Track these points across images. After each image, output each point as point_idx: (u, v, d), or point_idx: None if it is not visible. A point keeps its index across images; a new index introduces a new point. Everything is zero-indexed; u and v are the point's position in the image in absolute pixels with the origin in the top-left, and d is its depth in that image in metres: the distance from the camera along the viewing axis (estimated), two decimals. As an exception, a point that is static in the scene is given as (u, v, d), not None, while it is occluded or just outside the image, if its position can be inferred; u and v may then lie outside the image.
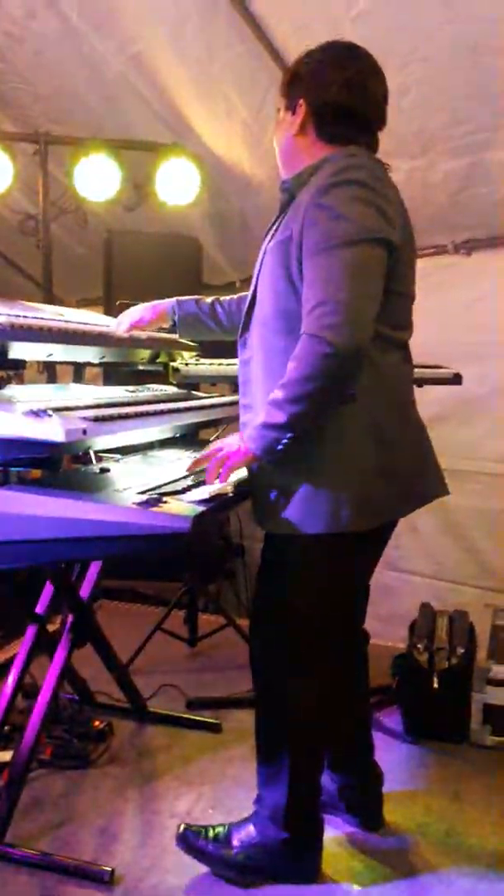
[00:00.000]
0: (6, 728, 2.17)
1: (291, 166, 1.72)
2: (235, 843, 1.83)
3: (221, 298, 2.08)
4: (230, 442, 1.63)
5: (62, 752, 2.31)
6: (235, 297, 2.07)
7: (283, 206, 1.70)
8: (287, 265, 1.60)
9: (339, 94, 1.64)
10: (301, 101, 1.68)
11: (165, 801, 2.18)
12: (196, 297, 2.10)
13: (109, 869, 1.84)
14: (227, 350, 2.43)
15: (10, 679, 2.15)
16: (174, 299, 2.07)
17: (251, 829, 1.84)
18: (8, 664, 2.22)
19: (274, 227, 1.71)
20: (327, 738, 1.92)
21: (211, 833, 1.87)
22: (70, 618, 2.16)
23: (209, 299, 2.08)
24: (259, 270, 1.72)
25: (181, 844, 1.88)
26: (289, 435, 1.54)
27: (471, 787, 2.28)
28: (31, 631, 2.18)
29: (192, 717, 2.63)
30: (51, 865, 1.87)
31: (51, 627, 2.25)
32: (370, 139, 1.70)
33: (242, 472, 1.70)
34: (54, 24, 2.86)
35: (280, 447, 1.55)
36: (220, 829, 1.87)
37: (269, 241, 1.69)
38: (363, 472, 1.62)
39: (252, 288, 1.75)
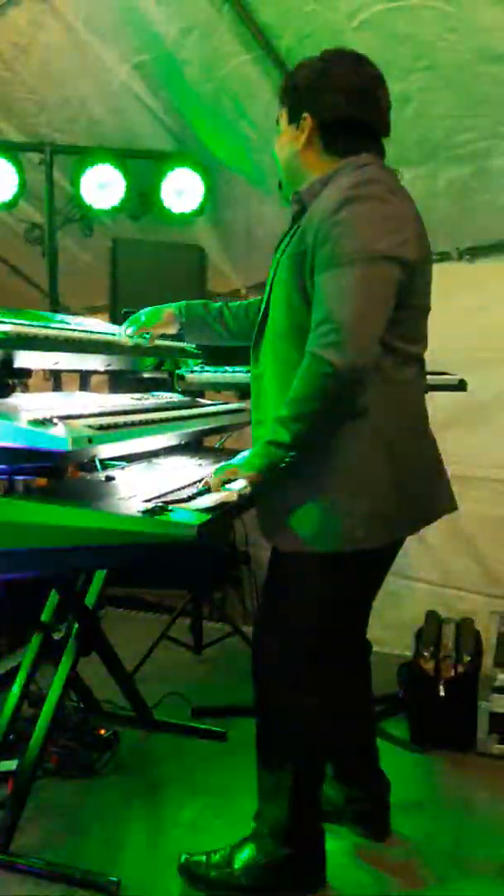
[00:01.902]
0: (11, 737, 2.17)
1: (298, 180, 1.69)
2: (237, 865, 1.81)
3: (230, 303, 2.08)
4: (239, 460, 1.62)
5: (68, 761, 2.30)
6: (244, 302, 2.07)
7: (295, 217, 1.68)
8: (301, 279, 1.58)
9: (346, 108, 1.63)
10: (306, 115, 1.65)
11: (171, 811, 2.17)
12: (204, 300, 2.10)
13: (115, 879, 1.83)
14: (231, 357, 2.44)
15: (16, 687, 2.15)
16: (181, 302, 2.07)
17: (252, 848, 1.82)
18: (13, 672, 2.21)
19: (287, 240, 1.69)
20: (329, 750, 1.90)
21: (213, 858, 1.85)
22: (75, 626, 2.16)
23: (217, 304, 2.08)
24: (271, 283, 1.70)
25: (183, 874, 1.86)
26: (292, 453, 1.53)
27: (478, 796, 2.27)
28: (35, 639, 2.18)
29: (198, 725, 2.62)
30: (56, 875, 1.86)
31: (56, 635, 2.25)
32: (378, 147, 1.68)
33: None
34: (60, 34, 2.88)
35: (283, 465, 1.55)
36: (220, 853, 1.85)
37: (282, 253, 1.67)
38: (377, 490, 1.61)
39: (264, 301, 1.73)
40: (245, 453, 1.63)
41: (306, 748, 1.78)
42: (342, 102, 1.63)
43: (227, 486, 1.58)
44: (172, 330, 2.07)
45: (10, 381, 1.79)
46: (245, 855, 1.82)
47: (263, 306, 1.73)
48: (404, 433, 1.66)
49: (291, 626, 1.73)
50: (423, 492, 1.71)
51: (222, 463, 1.65)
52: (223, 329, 2.06)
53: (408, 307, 1.59)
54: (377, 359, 1.53)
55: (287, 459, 1.54)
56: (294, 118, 1.68)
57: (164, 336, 2.12)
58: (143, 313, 2.06)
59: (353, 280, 1.47)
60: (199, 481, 1.70)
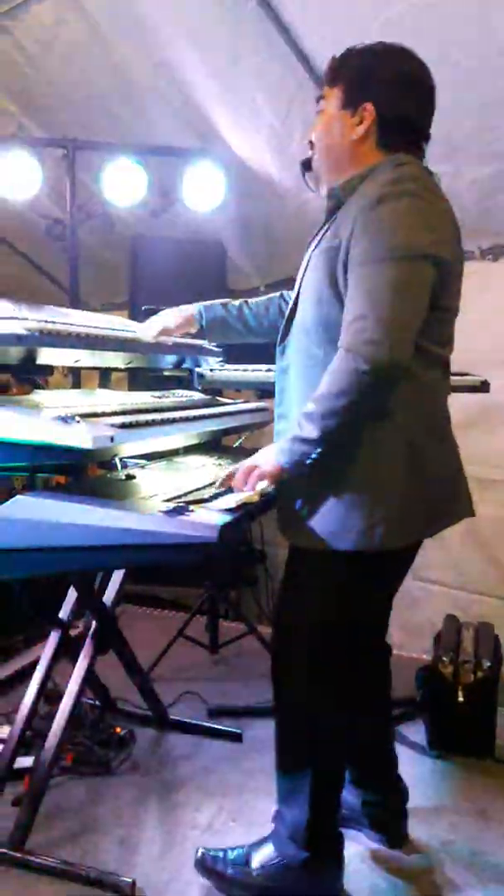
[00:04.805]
0: (28, 734, 2.16)
1: (340, 171, 1.65)
2: (255, 864, 1.79)
3: (249, 301, 2.06)
4: (262, 453, 1.60)
5: (84, 759, 2.30)
6: (264, 298, 2.05)
7: (330, 212, 1.66)
8: (333, 273, 1.55)
9: (410, 106, 1.60)
10: (368, 106, 1.60)
11: (186, 812, 2.16)
12: (223, 300, 2.08)
13: (130, 880, 1.82)
14: (252, 355, 2.42)
15: (33, 684, 2.15)
16: (201, 304, 2.05)
17: (270, 848, 1.80)
18: (30, 669, 2.21)
19: (320, 234, 1.66)
20: (349, 753, 1.88)
21: (230, 855, 1.83)
22: (93, 623, 2.15)
23: (237, 302, 2.06)
24: (303, 277, 1.68)
25: (199, 868, 1.84)
26: (319, 449, 1.51)
27: (497, 803, 2.24)
28: (53, 636, 2.17)
29: (214, 725, 2.61)
30: (72, 875, 1.85)
31: (73, 632, 2.24)
32: (420, 149, 1.66)
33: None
34: (83, 30, 2.88)
35: (309, 461, 1.53)
36: (238, 851, 1.84)
37: (315, 247, 1.65)
38: (398, 492, 1.58)
39: (294, 295, 1.71)
40: (267, 449, 1.61)
41: (325, 750, 1.76)
42: (408, 99, 1.60)
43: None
44: (192, 330, 2.06)
45: (33, 378, 1.79)
46: (263, 855, 1.80)
47: (293, 300, 1.71)
48: (427, 436, 1.64)
49: (307, 625, 1.71)
50: (443, 496, 1.69)
51: (244, 460, 1.63)
52: (244, 328, 2.04)
53: (439, 308, 1.56)
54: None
55: (313, 455, 1.52)
56: (351, 104, 1.62)
57: (185, 334, 2.11)
58: (163, 315, 2.05)
59: (392, 277, 1.45)
60: (217, 482, 1.69)
